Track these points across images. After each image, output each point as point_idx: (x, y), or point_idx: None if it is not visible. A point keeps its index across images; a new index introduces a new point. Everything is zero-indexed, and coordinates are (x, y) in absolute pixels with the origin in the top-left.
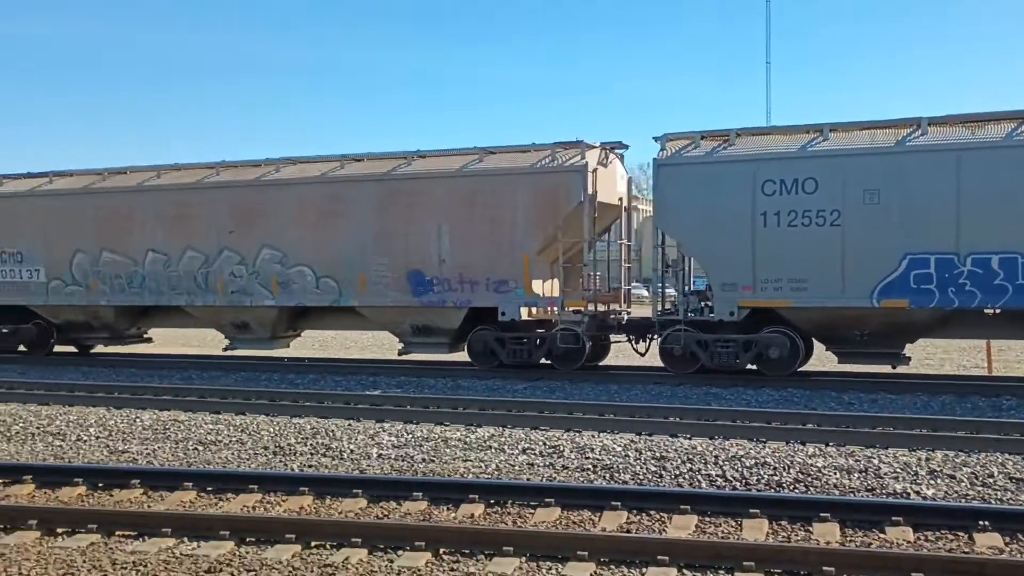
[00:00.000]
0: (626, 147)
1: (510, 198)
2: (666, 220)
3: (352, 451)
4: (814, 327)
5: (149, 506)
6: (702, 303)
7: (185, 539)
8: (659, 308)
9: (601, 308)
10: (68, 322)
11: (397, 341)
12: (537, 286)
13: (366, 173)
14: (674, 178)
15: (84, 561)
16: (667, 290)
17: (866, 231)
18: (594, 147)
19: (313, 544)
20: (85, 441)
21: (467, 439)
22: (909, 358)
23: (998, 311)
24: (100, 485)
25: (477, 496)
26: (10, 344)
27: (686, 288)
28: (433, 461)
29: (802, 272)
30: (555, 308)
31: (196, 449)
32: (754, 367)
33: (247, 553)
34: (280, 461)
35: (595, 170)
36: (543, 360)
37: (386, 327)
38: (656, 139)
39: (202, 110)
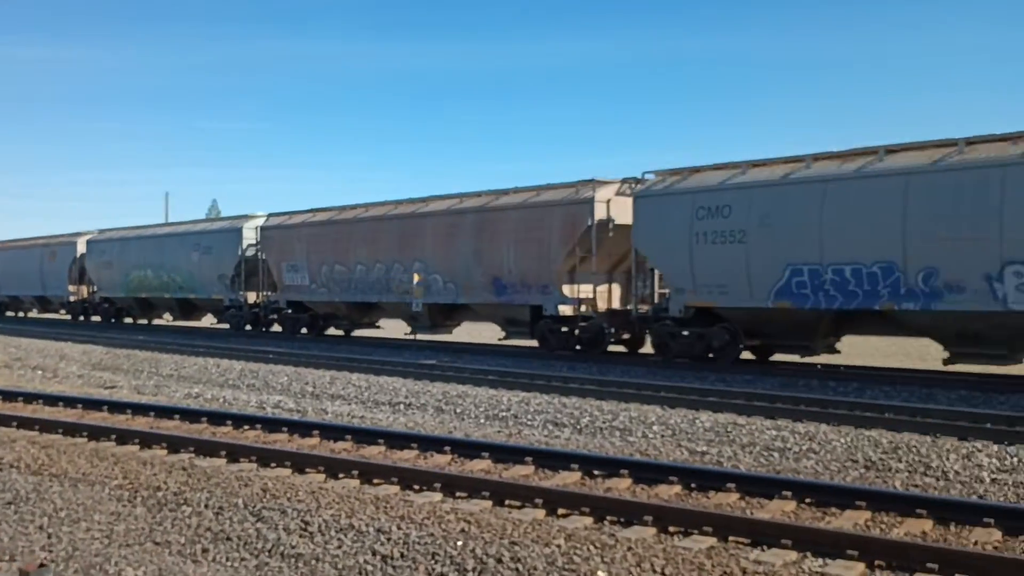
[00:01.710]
0: (641, 180)
1: (548, 224)
2: (639, 239)
3: (958, 473)
4: (741, 323)
5: (751, 512)
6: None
7: (809, 554)
8: (636, 309)
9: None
10: (326, 314)
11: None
12: (568, 289)
13: (469, 207)
14: (644, 206)
15: (712, 566)
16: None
17: (762, 247)
18: (610, 182)
19: None
20: (650, 438)
21: None
22: (838, 351)
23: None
24: (693, 485)
25: None
26: (296, 327)
27: (653, 292)
28: None
29: (723, 279)
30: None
31: (767, 455)
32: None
33: None
34: (876, 477)
35: (609, 200)
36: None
37: (489, 319)
38: (644, 173)
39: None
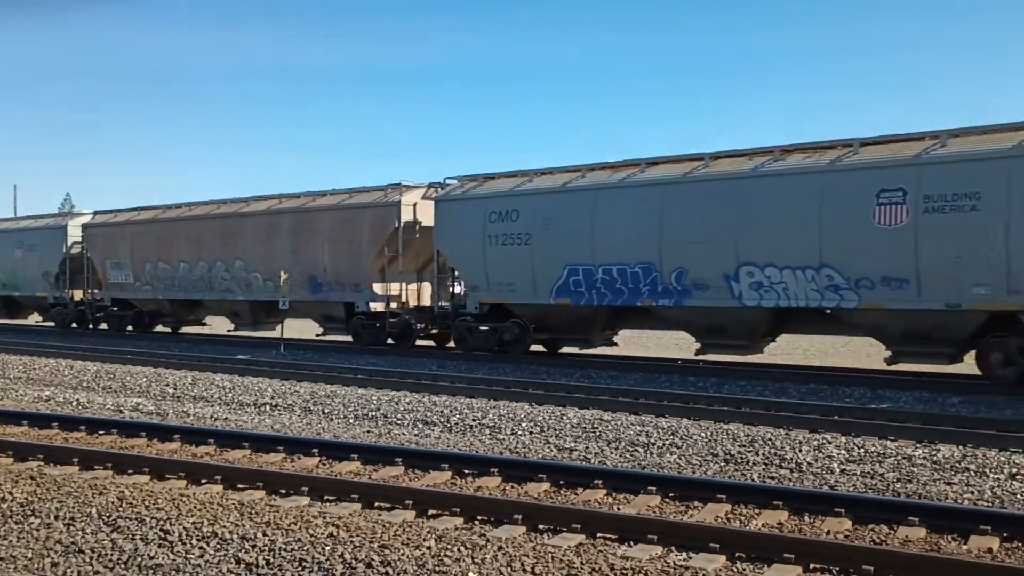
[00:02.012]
0: (444, 185)
1: (359, 225)
2: (440, 241)
3: (810, 464)
4: (529, 318)
5: (618, 508)
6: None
7: (673, 548)
8: (439, 306)
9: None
10: (152, 311)
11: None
12: (379, 287)
13: (287, 207)
14: (443, 210)
15: (581, 563)
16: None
17: (544, 249)
18: (417, 187)
19: (812, 567)
20: (519, 435)
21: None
22: (616, 343)
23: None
24: (562, 482)
25: None
26: (121, 324)
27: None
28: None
29: (512, 279)
30: (390, 304)
31: (632, 450)
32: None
33: (745, 570)
34: (735, 470)
35: (416, 204)
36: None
37: (307, 316)
38: (446, 179)
39: None
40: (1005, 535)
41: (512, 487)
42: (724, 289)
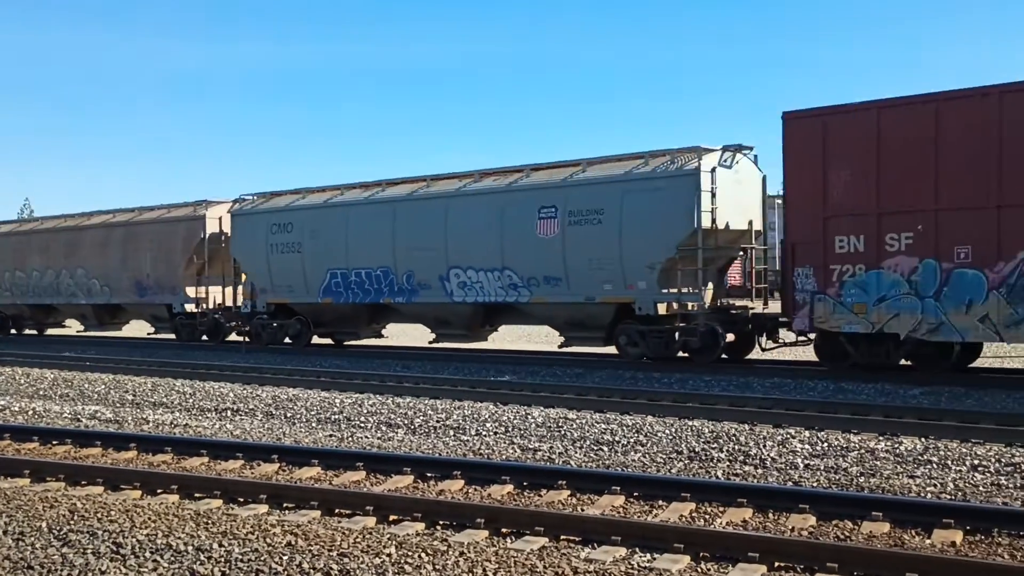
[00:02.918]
0: (239, 201)
1: (174, 237)
2: (235, 250)
3: (774, 459)
4: (308, 315)
5: (582, 509)
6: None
7: (637, 549)
8: (238, 306)
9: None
10: (14, 315)
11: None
12: (192, 290)
13: (118, 221)
14: (237, 223)
15: (544, 567)
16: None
17: (312, 256)
18: (223, 202)
19: (777, 565)
20: (483, 436)
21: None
22: (384, 335)
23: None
24: (525, 484)
25: None
26: None
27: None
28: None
29: (290, 281)
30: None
31: (597, 449)
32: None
33: (709, 570)
34: (700, 467)
35: (221, 217)
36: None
37: (140, 317)
38: (241, 195)
39: None
40: (968, 528)
41: (475, 490)
42: (440, 288)
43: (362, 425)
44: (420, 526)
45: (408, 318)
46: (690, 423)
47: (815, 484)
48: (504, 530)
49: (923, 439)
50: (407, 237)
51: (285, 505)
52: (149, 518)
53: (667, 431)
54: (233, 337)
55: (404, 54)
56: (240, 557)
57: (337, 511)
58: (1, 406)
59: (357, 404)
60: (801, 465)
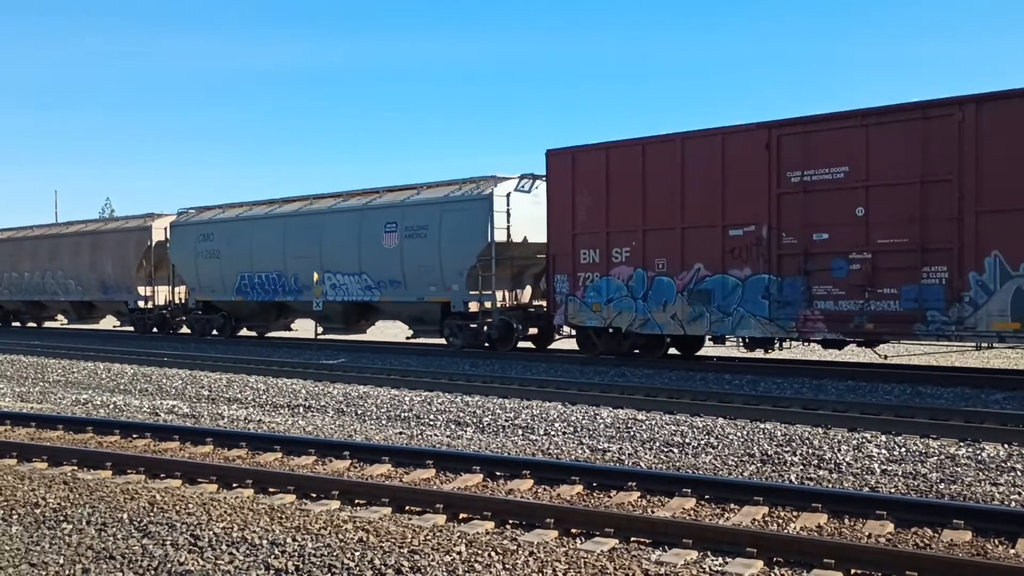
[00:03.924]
0: (184, 213)
1: (128, 244)
2: (173, 256)
3: (849, 464)
4: (228, 311)
5: (652, 511)
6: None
7: (709, 552)
8: (180, 304)
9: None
10: (14, 310)
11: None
12: (143, 290)
13: (87, 231)
14: (174, 234)
15: (615, 568)
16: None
17: (228, 262)
18: (167, 215)
19: (853, 572)
20: (552, 436)
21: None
22: (293, 329)
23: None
24: (595, 485)
25: None
26: None
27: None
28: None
29: (213, 283)
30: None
31: (667, 450)
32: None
33: (782, 575)
34: (772, 471)
35: (166, 227)
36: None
37: (106, 312)
38: (179, 209)
39: None
40: None
41: (544, 490)
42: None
43: (431, 423)
44: (490, 525)
45: (300, 314)
46: (762, 426)
47: (892, 490)
48: (573, 531)
49: (1006, 445)
50: (294, 247)
51: (356, 501)
52: (225, 511)
53: (739, 433)
54: (184, 329)
55: (439, 52)
56: (313, 552)
57: (407, 508)
58: (84, 399)
59: (426, 402)
60: (878, 470)
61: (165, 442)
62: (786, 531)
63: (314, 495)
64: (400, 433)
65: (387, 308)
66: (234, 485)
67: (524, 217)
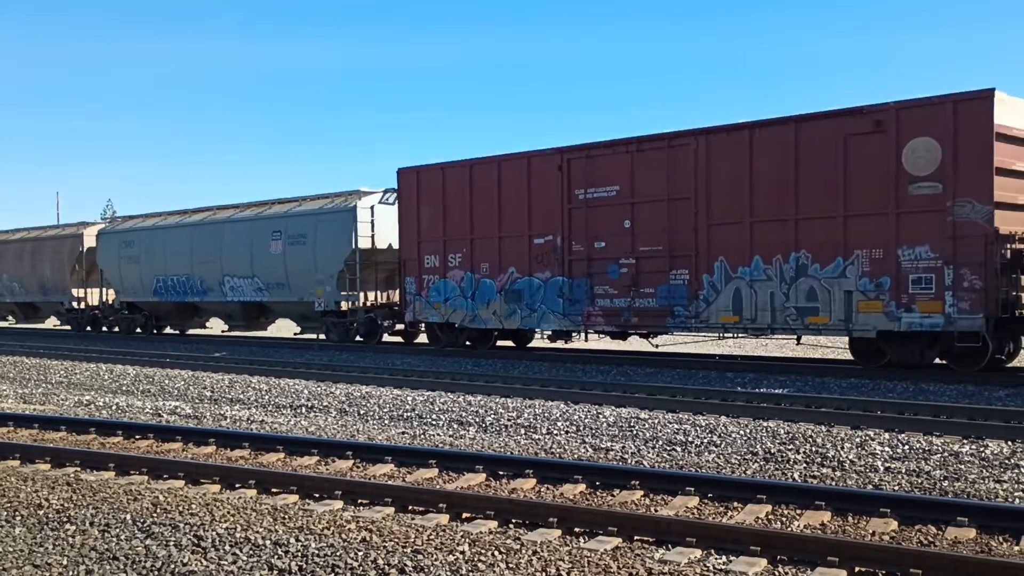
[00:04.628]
0: (92, 224)
1: (62, 251)
2: (100, 261)
3: (853, 462)
4: (150, 311)
5: (655, 509)
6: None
7: (713, 551)
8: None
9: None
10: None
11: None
12: (76, 291)
13: (28, 238)
14: (102, 241)
15: (618, 567)
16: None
17: (147, 266)
18: (96, 223)
19: (858, 570)
20: (555, 435)
21: None
22: (208, 327)
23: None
24: (598, 484)
25: None
26: None
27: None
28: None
29: (134, 285)
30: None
31: (670, 449)
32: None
33: (787, 573)
34: (776, 469)
35: (96, 235)
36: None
37: (49, 313)
38: (104, 218)
39: None
40: None
41: (547, 489)
42: (219, 291)
43: (434, 423)
44: (493, 524)
45: (208, 314)
46: (765, 424)
47: (896, 488)
48: (577, 530)
49: (1010, 442)
50: (199, 253)
51: (360, 501)
52: (228, 512)
53: (741, 432)
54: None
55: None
56: (317, 552)
57: (411, 508)
58: (87, 401)
59: (429, 402)
60: (881, 468)
61: (168, 443)
62: (790, 529)
63: (317, 495)
64: (403, 433)
65: (277, 307)
66: (237, 485)
67: (390, 226)
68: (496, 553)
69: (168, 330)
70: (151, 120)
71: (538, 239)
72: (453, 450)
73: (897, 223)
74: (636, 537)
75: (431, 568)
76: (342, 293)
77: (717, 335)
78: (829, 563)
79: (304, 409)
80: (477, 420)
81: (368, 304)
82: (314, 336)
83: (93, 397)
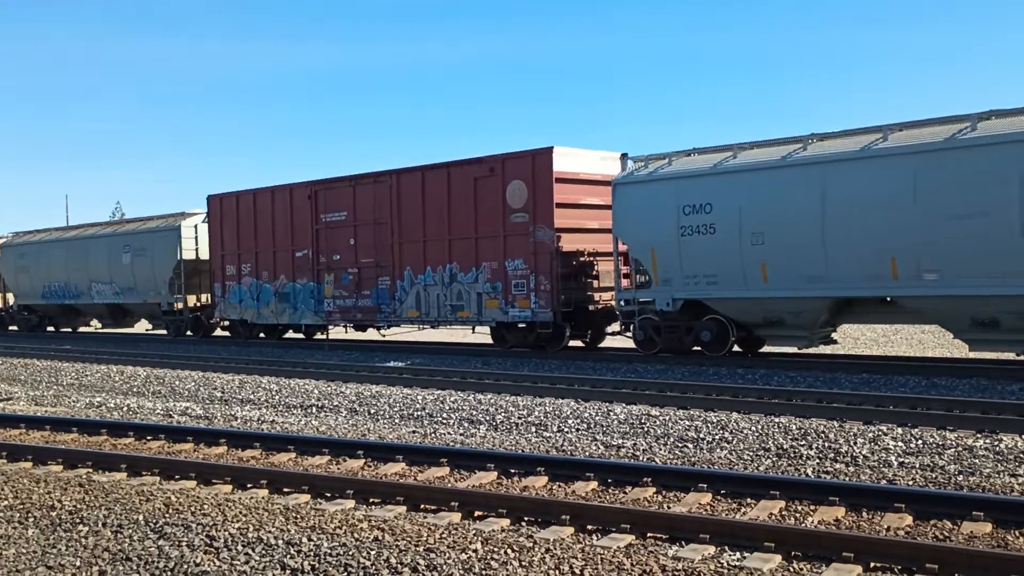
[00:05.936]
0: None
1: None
2: (3, 270)
3: (866, 457)
4: (43, 313)
5: (668, 506)
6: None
7: (727, 547)
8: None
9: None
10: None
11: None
12: None
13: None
14: (4, 252)
15: (632, 564)
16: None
17: (36, 275)
18: (3, 237)
19: (873, 566)
20: (566, 432)
21: None
22: (92, 326)
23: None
24: (610, 481)
25: None
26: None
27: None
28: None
29: (28, 292)
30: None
31: (682, 446)
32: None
33: (802, 570)
34: (788, 465)
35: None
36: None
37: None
38: (9, 234)
39: None
40: None
41: (559, 487)
42: (89, 295)
43: (444, 421)
44: (505, 522)
45: (87, 314)
46: (777, 420)
47: (910, 483)
48: (589, 527)
49: None
50: (73, 263)
51: (371, 500)
52: (240, 512)
53: (753, 428)
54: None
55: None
56: (329, 551)
57: (423, 507)
58: (98, 402)
59: (439, 400)
60: (895, 463)
61: (179, 443)
62: (804, 525)
63: (329, 495)
64: (413, 432)
65: (131, 308)
66: (249, 486)
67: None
68: (509, 551)
69: (65, 329)
70: (161, 121)
71: (299, 252)
72: (464, 448)
73: (504, 243)
74: (649, 534)
75: (444, 567)
76: (174, 296)
77: (412, 327)
78: (844, 559)
79: (315, 409)
80: (488, 419)
81: (195, 305)
82: (164, 332)
83: (104, 398)
